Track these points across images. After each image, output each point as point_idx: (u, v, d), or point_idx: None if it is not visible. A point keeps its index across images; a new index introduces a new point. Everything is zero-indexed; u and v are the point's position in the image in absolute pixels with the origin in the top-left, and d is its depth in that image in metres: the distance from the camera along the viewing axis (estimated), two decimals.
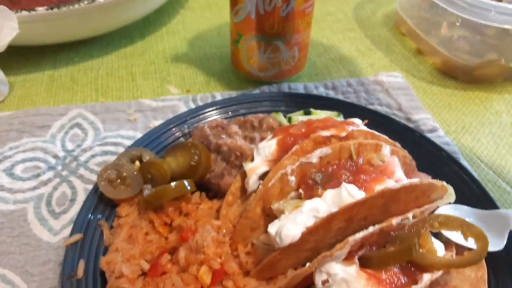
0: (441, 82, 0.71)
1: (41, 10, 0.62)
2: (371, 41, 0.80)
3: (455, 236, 0.40)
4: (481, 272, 0.39)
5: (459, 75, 0.71)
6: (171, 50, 0.78)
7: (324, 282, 0.35)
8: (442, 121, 0.64)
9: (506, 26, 0.62)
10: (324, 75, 0.72)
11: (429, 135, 0.60)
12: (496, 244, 0.43)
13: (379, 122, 0.56)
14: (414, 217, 0.38)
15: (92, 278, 0.42)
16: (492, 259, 0.41)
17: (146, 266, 0.41)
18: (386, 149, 0.44)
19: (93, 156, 0.58)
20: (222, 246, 0.41)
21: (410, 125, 0.62)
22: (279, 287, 0.37)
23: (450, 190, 0.43)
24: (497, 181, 0.56)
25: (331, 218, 0.37)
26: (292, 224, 0.38)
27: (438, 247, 0.38)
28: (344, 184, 0.39)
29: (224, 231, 0.43)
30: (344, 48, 0.78)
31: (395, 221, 0.36)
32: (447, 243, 0.40)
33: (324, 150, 0.42)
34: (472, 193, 0.48)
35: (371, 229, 0.35)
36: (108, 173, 0.48)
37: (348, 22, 0.84)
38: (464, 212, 0.45)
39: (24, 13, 0.62)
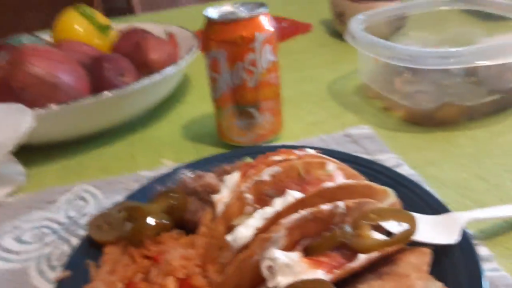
0: (406, 129, 0.78)
1: (54, 106, 0.76)
2: (343, 107, 0.89)
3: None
4: (425, 258, 0.41)
5: (423, 121, 0.78)
6: (167, 134, 0.89)
7: (269, 268, 0.38)
8: (407, 159, 0.69)
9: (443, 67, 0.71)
10: (299, 137, 0.81)
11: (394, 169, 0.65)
12: (449, 239, 0.46)
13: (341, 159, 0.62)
14: (348, 208, 0.42)
15: None
16: (445, 248, 0.45)
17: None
18: (330, 165, 0.50)
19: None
20: (189, 260, 0.45)
21: None
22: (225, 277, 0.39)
23: (391, 193, 0.47)
24: (460, 199, 0.59)
25: (276, 216, 0.42)
26: (244, 227, 0.43)
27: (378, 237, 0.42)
28: (289, 191, 0.44)
29: (194, 252, 0.47)
30: (318, 114, 0.88)
31: (325, 207, 0.41)
32: None
33: (275, 169, 0.48)
34: (425, 203, 0.51)
35: (303, 212, 0.40)
36: (96, 220, 0.55)
37: (321, 95, 0.95)
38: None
39: (38, 110, 0.75)
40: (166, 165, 0.78)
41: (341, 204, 0.41)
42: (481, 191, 0.60)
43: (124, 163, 0.81)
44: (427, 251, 0.43)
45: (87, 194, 0.72)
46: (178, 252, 0.46)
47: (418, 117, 0.79)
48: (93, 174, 0.78)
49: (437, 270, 0.43)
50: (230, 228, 0.48)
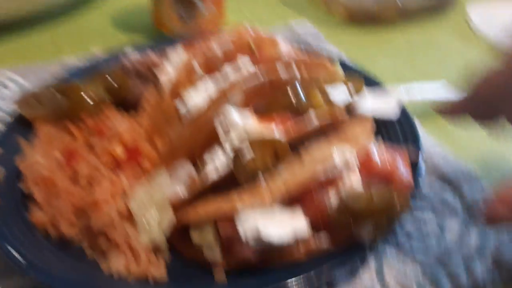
0: (345, 27, 0.79)
1: None
2: (285, 4, 0.87)
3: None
4: (368, 125, 0.44)
5: (362, 20, 0.79)
6: (96, 24, 0.81)
7: (222, 125, 0.38)
8: (346, 53, 0.70)
9: None
10: None
11: None
12: (390, 114, 0.48)
13: None
14: (302, 78, 0.42)
15: (12, 180, 0.43)
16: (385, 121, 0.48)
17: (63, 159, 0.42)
18: (282, 44, 0.49)
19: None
20: (137, 131, 0.43)
21: None
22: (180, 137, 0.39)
23: (341, 71, 0.48)
24: (392, 85, 0.62)
25: (230, 86, 0.40)
26: (196, 95, 0.42)
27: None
28: (239, 57, 0.43)
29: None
30: (260, 10, 0.85)
31: (281, 73, 0.40)
32: None
33: (226, 42, 0.46)
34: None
35: (260, 77, 0.39)
36: (26, 97, 0.50)
37: None
38: None
39: None
40: (96, 54, 0.72)
41: (296, 73, 0.41)
42: (411, 78, 0.64)
43: (47, 52, 0.73)
44: (369, 119, 0.45)
45: (8, 81, 0.64)
46: (124, 122, 0.43)
47: (358, 16, 0.79)
48: (13, 63, 0.70)
49: (378, 139, 0.46)
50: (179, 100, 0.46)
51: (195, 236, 0.36)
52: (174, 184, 0.38)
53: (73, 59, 0.69)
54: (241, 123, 0.38)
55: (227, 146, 0.37)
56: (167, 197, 0.38)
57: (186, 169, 0.38)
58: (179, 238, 0.38)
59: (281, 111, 0.40)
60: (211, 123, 0.39)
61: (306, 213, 0.35)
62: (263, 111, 0.40)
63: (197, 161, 0.39)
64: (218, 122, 0.38)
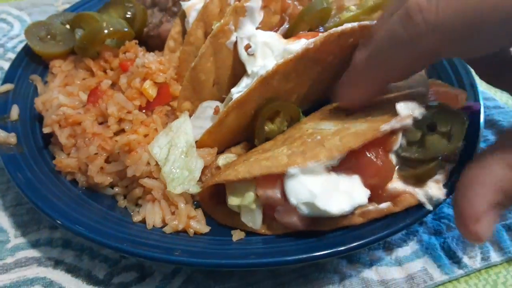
0: None
1: None
2: None
3: None
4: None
5: None
6: None
7: (247, 48, 0.34)
8: None
9: None
10: None
11: None
12: None
13: None
14: None
15: (29, 121, 0.39)
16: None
17: (85, 98, 0.38)
18: None
19: (21, 41, 0.54)
20: (166, 68, 0.39)
21: None
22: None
23: None
24: None
25: None
26: None
27: None
28: None
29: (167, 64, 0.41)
30: None
31: None
32: None
33: None
34: None
35: None
36: (37, 29, 0.45)
37: None
38: None
39: None
40: None
41: None
42: None
43: None
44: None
45: (9, 17, 0.59)
46: (152, 56, 0.39)
47: None
48: None
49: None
50: (208, 34, 0.41)
51: (233, 199, 0.32)
52: (198, 125, 0.35)
53: None
54: (266, 43, 0.34)
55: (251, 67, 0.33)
56: (192, 142, 0.34)
57: (211, 105, 0.35)
58: (210, 202, 0.34)
59: (308, 24, 0.36)
60: (233, 47, 0.34)
61: (365, 176, 0.30)
62: (290, 32, 0.36)
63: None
64: (241, 44, 0.34)
